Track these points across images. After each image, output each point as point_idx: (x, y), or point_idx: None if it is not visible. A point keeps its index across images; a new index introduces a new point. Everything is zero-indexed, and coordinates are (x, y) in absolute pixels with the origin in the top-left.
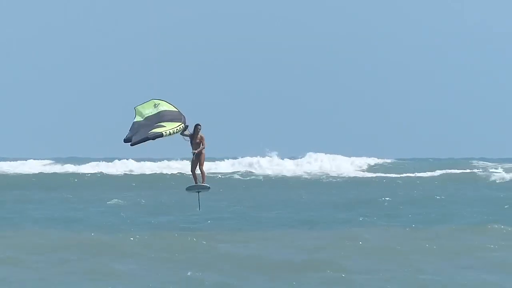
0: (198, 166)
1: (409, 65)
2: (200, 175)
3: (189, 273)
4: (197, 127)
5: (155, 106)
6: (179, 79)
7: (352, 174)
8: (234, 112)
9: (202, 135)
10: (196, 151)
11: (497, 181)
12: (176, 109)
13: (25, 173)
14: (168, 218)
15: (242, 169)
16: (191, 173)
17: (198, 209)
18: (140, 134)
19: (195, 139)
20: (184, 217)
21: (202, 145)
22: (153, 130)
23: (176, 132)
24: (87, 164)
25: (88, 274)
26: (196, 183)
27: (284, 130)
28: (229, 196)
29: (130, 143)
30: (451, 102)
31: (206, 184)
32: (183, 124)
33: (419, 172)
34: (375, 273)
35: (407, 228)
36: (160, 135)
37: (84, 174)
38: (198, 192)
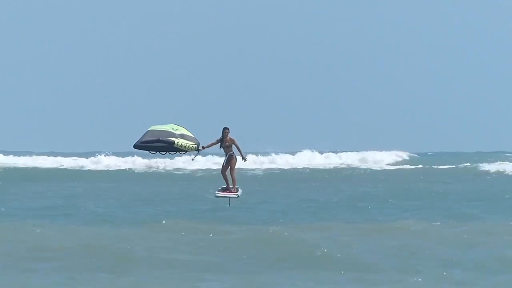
0: (229, 170)
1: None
2: (231, 179)
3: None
4: (225, 130)
5: (173, 129)
6: (180, 76)
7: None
8: (253, 109)
9: (232, 138)
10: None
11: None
12: (193, 136)
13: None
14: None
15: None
16: (221, 174)
17: (228, 205)
18: (152, 136)
19: (225, 143)
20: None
21: (238, 149)
22: (167, 137)
23: (188, 149)
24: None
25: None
26: (227, 183)
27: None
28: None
29: (139, 144)
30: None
31: (234, 195)
32: (195, 145)
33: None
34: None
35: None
36: (172, 142)
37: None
38: (229, 199)
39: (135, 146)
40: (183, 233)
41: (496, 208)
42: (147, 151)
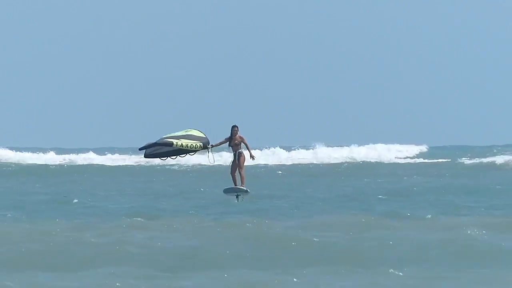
0: (237, 169)
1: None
2: (240, 178)
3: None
4: (234, 128)
5: (186, 131)
6: (180, 76)
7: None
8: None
9: (242, 136)
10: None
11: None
12: (204, 136)
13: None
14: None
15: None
16: (230, 175)
17: (236, 200)
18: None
19: (234, 141)
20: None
21: (246, 147)
22: (165, 139)
23: (194, 148)
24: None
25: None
26: (235, 185)
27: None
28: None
29: (147, 153)
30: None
31: (244, 188)
32: (201, 143)
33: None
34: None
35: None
36: (170, 143)
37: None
38: (237, 195)
39: (146, 156)
40: (180, 228)
41: (497, 202)
42: (159, 158)
